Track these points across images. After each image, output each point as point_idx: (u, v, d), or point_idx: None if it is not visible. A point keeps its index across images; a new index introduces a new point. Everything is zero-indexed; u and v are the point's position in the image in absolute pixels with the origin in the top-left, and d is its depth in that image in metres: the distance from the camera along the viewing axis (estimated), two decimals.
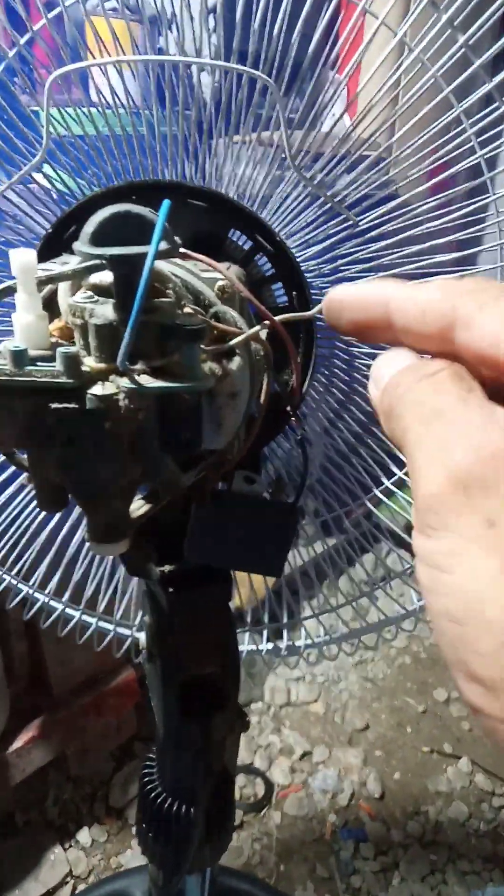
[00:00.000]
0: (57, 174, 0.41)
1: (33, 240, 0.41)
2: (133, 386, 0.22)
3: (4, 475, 0.48)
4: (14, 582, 0.53)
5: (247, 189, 0.36)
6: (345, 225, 0.34)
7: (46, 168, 0.41)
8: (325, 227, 0.35)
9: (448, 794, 1.17)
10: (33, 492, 0.32)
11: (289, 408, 0.30)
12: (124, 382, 0.23)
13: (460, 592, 0.17)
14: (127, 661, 1.16)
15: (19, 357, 0.22)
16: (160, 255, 0.21)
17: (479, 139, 0.38)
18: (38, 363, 0.23)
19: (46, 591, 0.53)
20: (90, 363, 0.23)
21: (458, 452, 0.18)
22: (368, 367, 0.41)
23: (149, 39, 0.45)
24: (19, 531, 0.50)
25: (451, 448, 0.18)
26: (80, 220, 0.24)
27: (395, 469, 0.44)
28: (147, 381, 0.23)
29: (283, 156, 0.35)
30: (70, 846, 1.09)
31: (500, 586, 0.16)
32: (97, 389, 0.22)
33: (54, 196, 0.42)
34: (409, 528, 0.47)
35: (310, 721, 1.29)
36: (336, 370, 0.40)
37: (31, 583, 0.53)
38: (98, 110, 0.40)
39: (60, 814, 1.12)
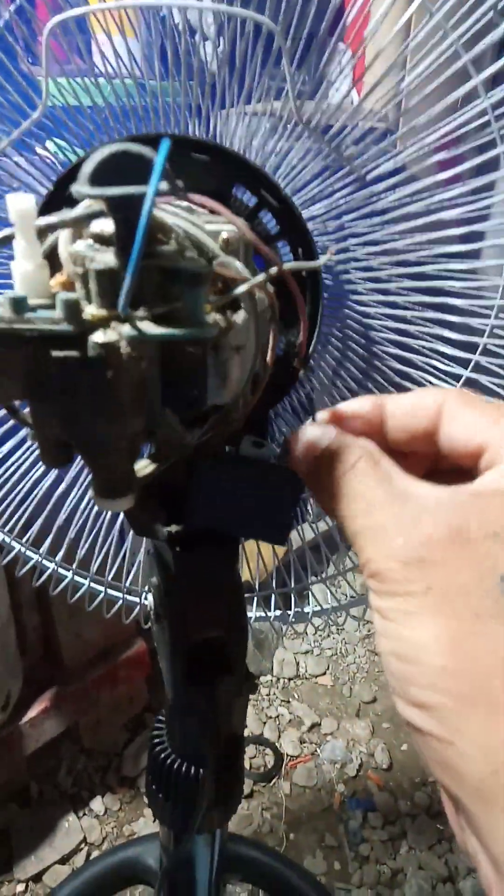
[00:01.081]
0: (65, 142, 0.41)
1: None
2: (134, 333, 0.22)
3: (12, 442, 0.48)
4: (23, 550, 0.54)
5: (251, 143, 0.35)
6: (349, 178, 0.34)
7: (55, 139, 0.41)
8: (330, 181, 0.34)
9: None
10: (38, 453, 0.32)
11: (296, 361, 0.30)
12: (126, 329, 0.22)
13: (405, 639, 0.22)
14: (138, 633, 1.17)
15: (19, 304, 0.22)
16: (160, 195, 0.20)
17: (495, 112, 0.37)
18: (39, 311, 0.23)
19: (55, 560, 0.54)
20: (91, 310, 0.23)
21: (398, 541, 0.23)
22: (371, 326, 0.40)
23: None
24: (28, 499, 0.50)
25: (392, 537, 0.23)
26: None
27: None
28: (149, 327, 0.22)
29: (288, 109, 0.34)
30: (84, 814, 1.11)
31: (435, 638, 0.21)
32: (98, 336, 0.22)
33: (61, 159, 0.42)
34: None
35: (318, 693, 1.30)
36: (347, 330, 0.40)
37: (40, 551, 0.54)
38: (104, 79, 0.40)
39: (74, 783, 1.15)
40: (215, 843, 0.55)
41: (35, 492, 0.50)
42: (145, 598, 0.55)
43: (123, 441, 0.25)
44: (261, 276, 0.25)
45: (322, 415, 0.29)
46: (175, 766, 0.44)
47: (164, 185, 0.20)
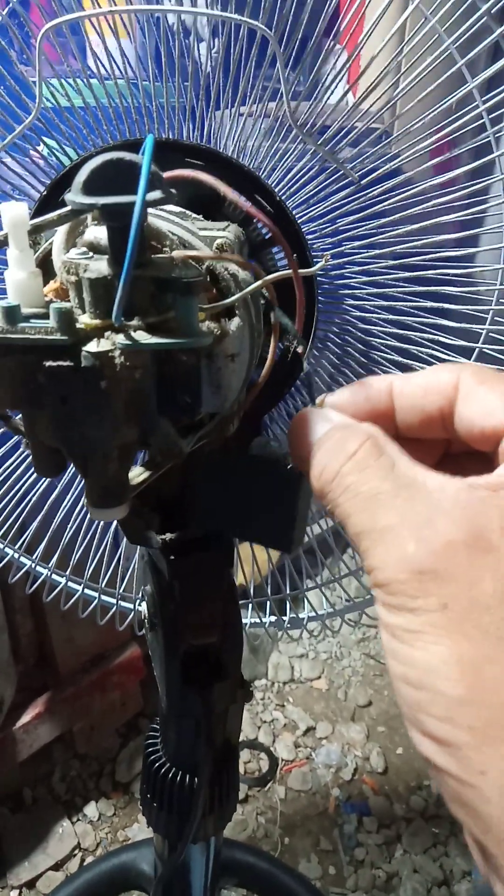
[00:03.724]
0: (57, 144, 0.40)
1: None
2: (129, 342, 0.22)
3: (5, 447, 0.47)
4: (17, 556, 0.53)
5: (245, 146, 0.35)
6: (345, 181, 0.33)
7: (47, 140, 0.41)
8: (325, 185, 0.34)
9: None
10: (32, 460, 0.32)
11: (291, 341, 0.29)
12: (120, 339, 0.22)
13: (417, 663, 0.19)
14: (132, 638, 1.16)
15: (12, 313, 0.22)
16: (153, 203, 0.20)
17: (490, 116, 0.36)
18: (32, 320, 0.22)
19: (49, 566, 0.53)
20: (85, 320, 0.22)
21: (408, 546, 0.19)
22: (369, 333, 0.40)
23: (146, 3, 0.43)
24: (22, 505, 0.50)
25: (401, 541, 0.20)
26: None
27: None
28: (143, 337, 0.22)
29: (283, 112, 0.34)
30: (78, 820, 1.11)
31: (451, 663, 0.18)
32: (92, 346, 0.22)
33: (53, 162, 0.41)
34: None
35: (313, 697, 1.30)
36: (346, 336, 0.40)
37: (33, 557, 0.53)
38: (97, 80, 0.39)
39: (68, 789, 1.14)
40: (210, 849, 0.55)
41: (29, 497, 0.49)
42: (139, 605, 0.54)
43: (117, 450, 0.25)
44: (255, 285, 0.25)
45: (322, 398, 0.26)
46: (170, 776, 0.44)
47: (157, 195, 0.20)
